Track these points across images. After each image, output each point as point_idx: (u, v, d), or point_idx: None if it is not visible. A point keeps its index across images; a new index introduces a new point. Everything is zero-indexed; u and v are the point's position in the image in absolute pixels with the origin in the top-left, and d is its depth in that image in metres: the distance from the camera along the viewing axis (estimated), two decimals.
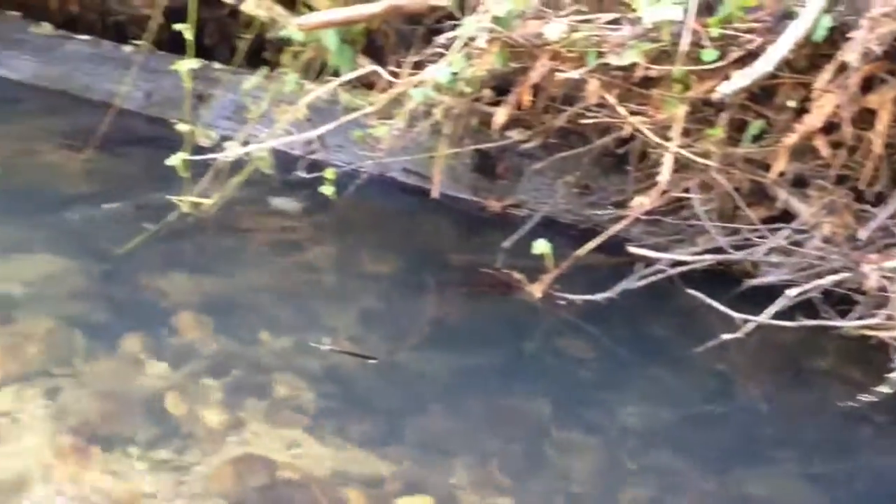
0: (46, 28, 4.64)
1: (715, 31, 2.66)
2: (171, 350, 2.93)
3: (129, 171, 3.88)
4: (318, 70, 3.49)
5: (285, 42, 3.53)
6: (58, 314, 3.01)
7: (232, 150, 3.14)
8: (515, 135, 3.34)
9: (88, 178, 3.79)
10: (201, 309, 3.14)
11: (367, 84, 3.39)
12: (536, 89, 2.95)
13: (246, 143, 3.22)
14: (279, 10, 3.92)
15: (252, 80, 3.52)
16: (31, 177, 3.76)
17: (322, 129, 3.04)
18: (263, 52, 4.21)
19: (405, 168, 3.73)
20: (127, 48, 4.47)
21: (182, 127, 3.24)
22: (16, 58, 4.55)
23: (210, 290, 3.26)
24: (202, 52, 4.40)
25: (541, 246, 2.86)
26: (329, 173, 3.16)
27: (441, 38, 2.90)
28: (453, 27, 2.88)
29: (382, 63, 3.32)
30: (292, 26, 3.16)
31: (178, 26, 3.25)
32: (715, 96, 2.64)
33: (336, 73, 3.32)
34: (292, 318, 3.18)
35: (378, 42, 3.64)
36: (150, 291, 3.20)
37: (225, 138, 3.46)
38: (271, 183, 3.45)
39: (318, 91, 3.05)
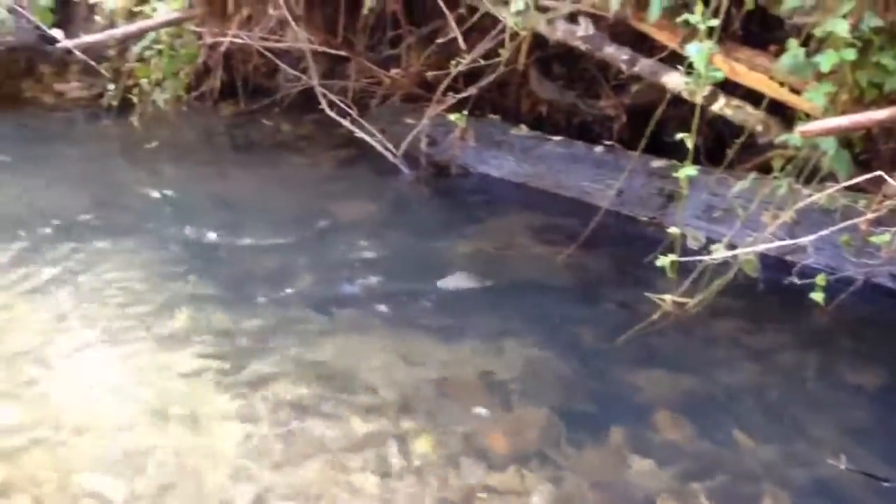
0: (524, 130, 5.08)
1: None
2: (654, 448, 2.99)
3: (605, 267, 4.08)
4: (808, 173, 3.45)
5: (775, 146, 3.53)
6: (548, 402, 3.20)
7: (719, 252, 3.18)
8: None
9: (568, 273, 4.03)
10: (679, 407, 3.17)
11: (856, 188, 3.28)
12: None
13: (733, 246, 3.25)
14: (755, 112, 3.94)
15: (742, 184, 3.56)
16: (517, 269, 4.09)
17: (817, 235, 2.98)
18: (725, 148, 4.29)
19: (893, 273, 3.53)
20: (598, 148, 4.75)
21: (673, 230, 3.34)
22: (497, 157, 5.02)
23: (687, 388, 3.29)
24: (663, 149, 4.57)
25: None
26: (820, 279, 3.08)
27: None
28: None
29: (872, 167, 3.20)
30: (793, 131, 3.15)
31: (680, 135, 3.38)
32: None
33: (828, 177, 3.26)
34: (772, 424, 3.10)
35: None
36: (629, 386, 3.30)
37: (710, 241, 3.50)
38: (754, 285, 3.44)
39: (816, 196, 3.00)
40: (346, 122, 5.22)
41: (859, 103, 3.21)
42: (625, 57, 4.39)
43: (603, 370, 3.38)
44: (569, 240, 4.16)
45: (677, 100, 4.25)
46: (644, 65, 4.34)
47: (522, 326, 3.66)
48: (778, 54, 3.69)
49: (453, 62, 4.82)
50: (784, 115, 3.94)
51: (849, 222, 3.02)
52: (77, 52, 5.35)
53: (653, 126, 4.11)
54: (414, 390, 3.25)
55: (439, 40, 5.06)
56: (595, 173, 4.63)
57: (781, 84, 3.78)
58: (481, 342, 3.55)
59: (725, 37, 4.09)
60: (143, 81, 5.33)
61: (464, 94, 4.90)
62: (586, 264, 4.08)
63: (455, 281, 4.01)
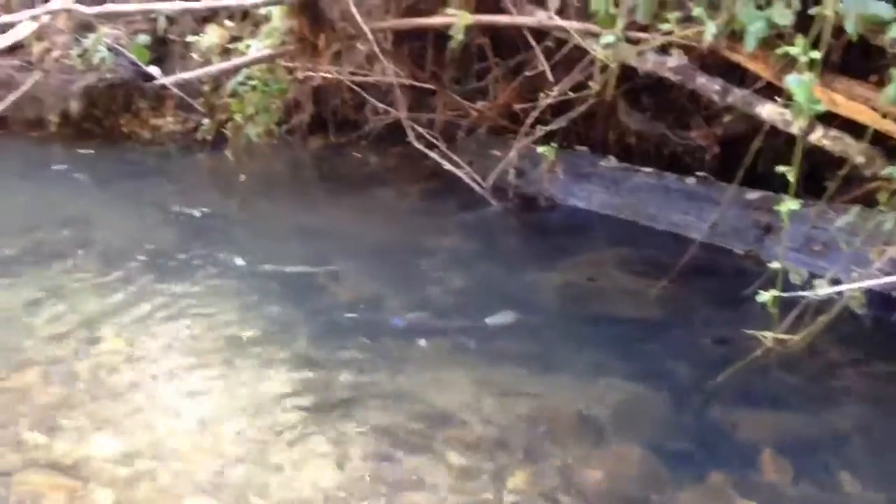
0: (612, 161, 5.04)
1: None
2: (757, 489, 2.90)
3: (700, 301, 4.01)
4: None
5: (879, 178, 3.44)
6: (646, 440, 3.14)
7: (824, 288, 3.09)
8: None
9: (661, 307, 3.97)
10: (782, 448, 3.08)
11: None
12: None
13: (836, 281, 3.16)
14: (855, 143, 3.84)
15: (846, 217, 3.47)
16: (609, 302, 4.06)
17: None
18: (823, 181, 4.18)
19: None
20: (690, 180, 4.69)
21: (774, 265, 3.26)
22: (585, 189, 5.00)
23: (791, 428, 3.21)
24: (756, 179, 4.49)
25: None
26: None
27: None
28: None
29: None
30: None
31: (780, 168, 3.32)
32: None
33: None
34: (880, 467, 3.00)
35: None
36: (729, 425, 3.22)
37: (812, 276, 3.41)
38: (860, 322, 3.34)
39: None
40: (433, 154, 5.25)
41: None
42: (717, 88, 4.33)
43: (702, 408, 3.31)
44: (661, 272, 4.10)
45: (769, 130, 4.18)
46: (737, 95, 4.28)
47: (616, 361, 3.62)
48: (880, 85, 3.60)
49: (542, 94, 4.83)
50: (886, 146, 3.84)
51: None
52: (173, 88, 5.51)
53: (746, 157, 4.04)
54: (507, 424, 3.23)
55: (527, 73, 5.07)
56: (687, 205, 4.57)
57: (884, 115, 3.68)
58: (574, 376, 3.51)
59: (824, 67, 4.02)
60: (237, 116, 5.45)
61: (552, 126, 4.89)
62: (680, 298, 4.01)
63: (543, 313, 4.00)
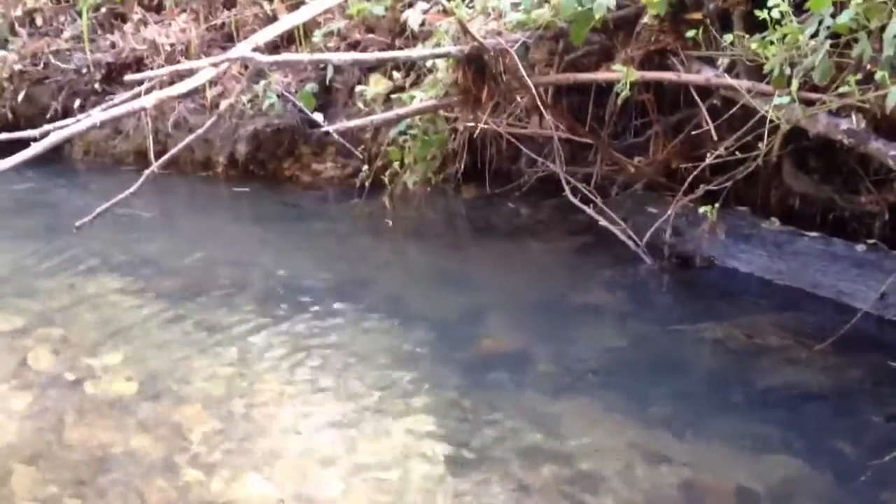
0: (776, 224, 4.86)
1: None
2: None
3: (866, 375, 3.80)
4: None
5: None
6: None
7: None
8: None
9: (824, 378, 3.78)
10: None
11: None
12: None
13: None
14: None
15: None
16: (767, 369, 3.89)
17: None
18: None
19: None
20: (859, 247, 4.47)
21: None
22: (746, 251, 4.82)
23: None
24: None
25: None
26: None
27: None
28: None
29: None
30: None
31: None
32: None
33: None
34: None
35: None
36: None
37: None
38: None
39: None
40: (588, 210, 5.20)
41: None
42: (893, 153, 4.14)
43: (869, 489, 3.12)
44: (823, 342, 3.91)
45: None
46: None
47: (775, 432, 3.47)
48: None
49: (703, 152, 4.71)
50: None
51: None
52: (335, 135, 5.66)
53: None
54: (659, 493, 3.14)
55: (693, 131, 4.95)
56: (856, 273, 4.35)
57: None
58: (730, 446, 3.39)
59: None
60: (395, 163, 5.55)
61: (714, 186, 4.75)
62: (845, 370, 3.81)
63: (697, 377, 3.91)
